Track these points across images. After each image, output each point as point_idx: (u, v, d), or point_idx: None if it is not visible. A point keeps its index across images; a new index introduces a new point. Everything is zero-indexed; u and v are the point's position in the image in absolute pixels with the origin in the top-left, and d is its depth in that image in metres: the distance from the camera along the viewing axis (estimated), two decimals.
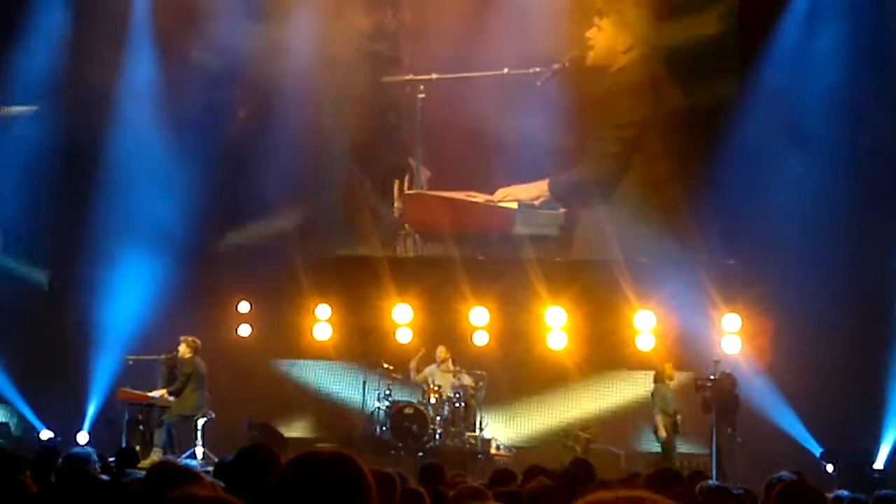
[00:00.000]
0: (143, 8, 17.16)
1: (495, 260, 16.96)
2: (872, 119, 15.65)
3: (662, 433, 14.33)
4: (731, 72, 16.26)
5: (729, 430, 14.31)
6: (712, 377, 14.53)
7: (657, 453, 14.53)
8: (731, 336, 15.68)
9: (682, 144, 16.12)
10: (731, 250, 16.09)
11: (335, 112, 17.22)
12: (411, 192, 17.22)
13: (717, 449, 14.05)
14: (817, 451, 14.81)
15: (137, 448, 13.20)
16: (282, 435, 15.85)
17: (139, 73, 17.17)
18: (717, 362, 14.84)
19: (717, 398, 14.33)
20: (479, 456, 15.25)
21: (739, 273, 15.94)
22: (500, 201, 16.86)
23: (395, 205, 17.19)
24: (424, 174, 17.19)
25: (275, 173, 16.72)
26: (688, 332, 15.65)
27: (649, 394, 14.87)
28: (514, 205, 16.79)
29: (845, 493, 8.38)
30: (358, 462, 2.95)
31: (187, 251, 16.58)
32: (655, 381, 14.73)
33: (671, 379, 14.71)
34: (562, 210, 16.77)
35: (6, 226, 17.55)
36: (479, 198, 16.96)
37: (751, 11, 16.23)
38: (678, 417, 14.48)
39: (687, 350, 15.67)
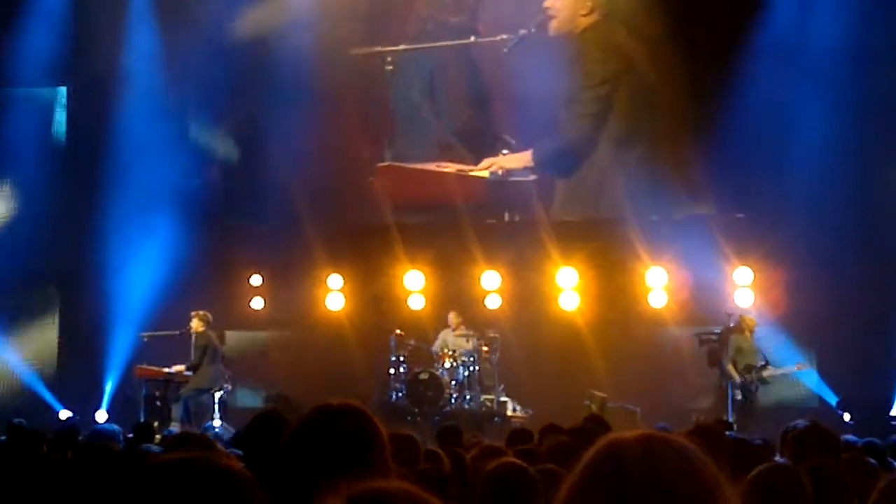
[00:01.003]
0: None
1: (505, 223, 16.96)
2: (882, 69, 15.57)
3: (735, 377, 14.24)
4: (733, 25, 16.15)
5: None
6: (716, 331, 14.54)
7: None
8: (744, 289, 15.66)
9: (687, 99, 16.06)
10: (740, 204, 16.05)
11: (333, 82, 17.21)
12: (383, 164, 17.28)
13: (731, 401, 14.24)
14: (833, 400, 14.85)
15: (156, 424, 13.30)
16: (299, 405, 15.91)
17: (143, 49, 17.14)
18: (729, 315, 14.84)
19: (722, 351, 14.55)
20: (496, 418, 15.30)
21: (750, 227, 15.90)
22: (485, 169, 16.91)
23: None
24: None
25: (285, 147, 16.78)
26: (700, 287, 15.67)
27: (719, 340, 14.88)
28: (486, 174, 16.83)
29: (853, 437, 8.38)
30: (369, 414, 2.96)
31: (198, 226, 16.59)
32: (733, 331, 14.59)
33: (752, 332, 14.51)
34: (532, 177, 16.77)
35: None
36: (451, 168, 17.01)
37: None
38: (761, 371, 14.30)
39: (700, 305, 15.70)
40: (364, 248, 17.08)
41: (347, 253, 17.04)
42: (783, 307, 15.29)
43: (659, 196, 16.06)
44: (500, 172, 16.84)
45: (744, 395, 14.21)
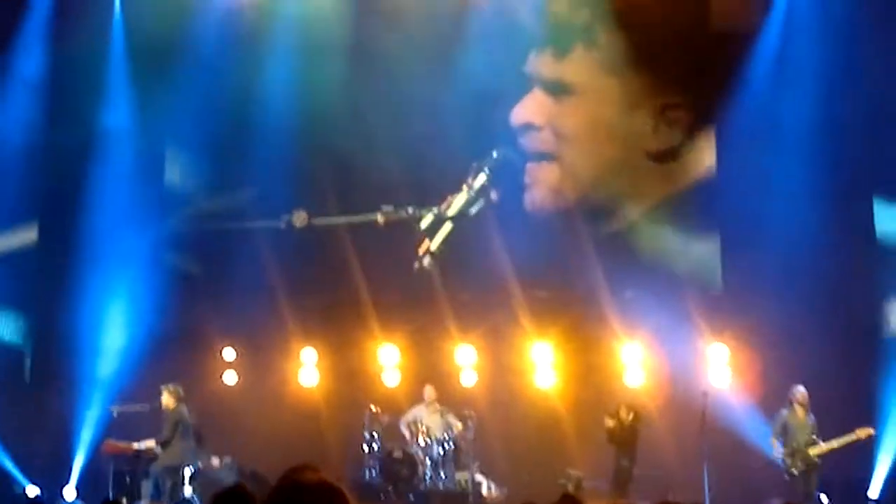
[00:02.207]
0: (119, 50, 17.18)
1: (481, 297, 16.90)
2: (856, 145, 15.74)
3: (775, 454, 13.91)
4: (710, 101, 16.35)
5: (625, 461, 14.59)
6: (619, 411, 14.72)
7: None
8: (720, 367, 15.62)
9: (661, 173, 16.21)
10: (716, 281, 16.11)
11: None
12: None
13: (614, 477, 14.46)
14: None
15: (124, 501, 13.03)
16: (271, 483, 15.65)
17: (115, 117, 17.14)
18: (705, 394, 14.76)
19: (619, 431, 14.65)
20: (470, 497, 15.10)
21: (726, 303, 15.93)
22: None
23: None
24: None
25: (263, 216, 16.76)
26: (675, 365, 15.61)
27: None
28: None
29: None
30: (342, 491, 2.85)
31: (171, 296, 16.45)
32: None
33: (802, 406, 13.89)
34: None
35: None
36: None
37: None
38: (808, 449, 13.83)
39: (675, 382, 15.63)
40: (338, 322, 16.96)
41: (321, 326, 16.93)
42: (759, 387, 15.24)
43: (634, 271, 16.08)
44: None
45: (789, 475, 13.85)
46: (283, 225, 17.23)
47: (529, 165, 16.94)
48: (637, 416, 14.84)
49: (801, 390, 13.97)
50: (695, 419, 14.22)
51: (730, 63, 16.05)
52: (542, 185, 16.97)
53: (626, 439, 14.78)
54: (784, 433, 13.91)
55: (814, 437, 13.86)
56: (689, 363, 15.56)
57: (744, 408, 15.10)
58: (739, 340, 15.60)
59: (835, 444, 13.75)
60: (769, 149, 15.96)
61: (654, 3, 16.58)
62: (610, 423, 14.85)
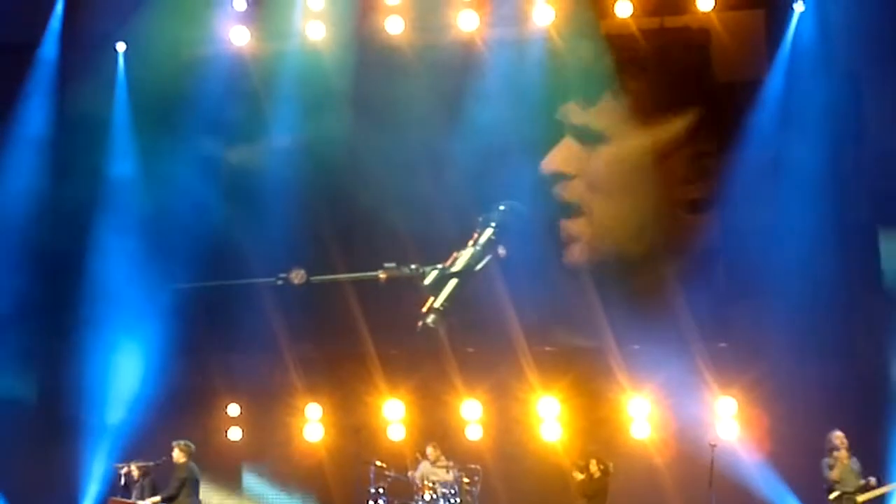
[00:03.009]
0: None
1: (486, 351, 16.80)
2: (859, 194, 15.68)
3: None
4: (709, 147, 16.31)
5: None
6: (588, 465, 14.68)
7: None
8: (728, 420, 15.50)
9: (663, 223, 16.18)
10: (722, 334, 15.97)
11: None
12: None
13: None
14: None
15: None
16: None
17: (121, 169, 17.21)
18: (713, 446, 14.62)
19: (588, 483, 14.61)
20: None
21: (732, 355, 15.80)
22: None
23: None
24: None
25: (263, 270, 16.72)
26: (683, 418, 15.50)
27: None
28: None
29: None
30: None
31: (174, 353, 16.42)
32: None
33: (842, 450, 13.62)
34: None
35: None
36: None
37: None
38: (857, 496, 13.51)
39: (683, 435, 15.50)
40: (343, 377, 16.90)
41: (326, 381, 16.87)
42: (767, 444, 15.12)
43: (639, 324, 15.97)
44: None
45: None
46: (278, 282, 17.16)
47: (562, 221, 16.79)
48: (606, 470, 14.76)
49: (837, 434, 13.74)
50: (703, 472, 14.13)
51: (737, 111, 16.02)
52: (573, 238, 16.83)
53: (597, 493, 14.70)
54: (833, 480, 13.58)
55: (861, 481, 13.59)
56: (697, 416, 15.43)
57: (752, 461, 14.97)
58: (747, 393, 15.47)
59: (881, 490, 13.55)
60: (773, 196, 15.88)
61: (665, 51, 16.57)
62: (579, 476, 14.78)
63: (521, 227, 16.77)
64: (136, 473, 15.29)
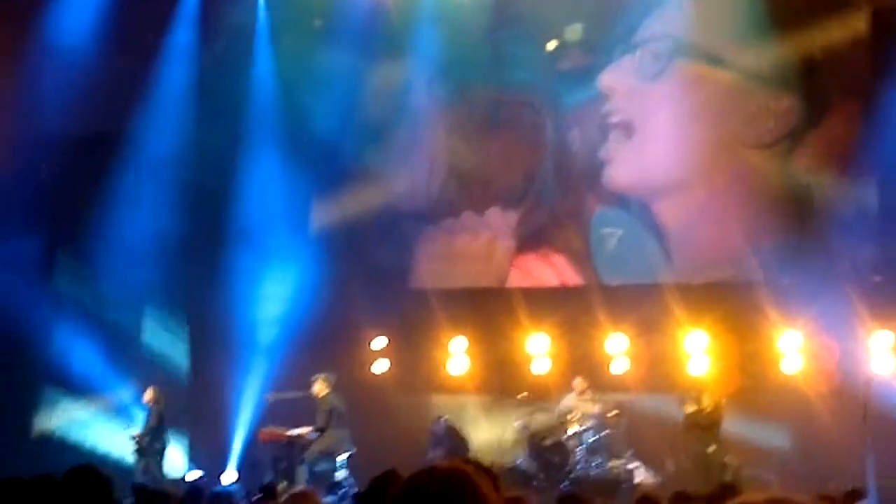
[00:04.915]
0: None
1: (631, 286, 16.63)
2: None
3: None
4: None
5: (703, 448, 14.30)
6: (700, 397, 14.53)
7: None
8: (885, 354, 15.05)
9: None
10: (877, 267, 15.50)
11: None
12: None
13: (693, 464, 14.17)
14: None
15: (282, 485, 13.27)
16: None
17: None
18: (867, 383, 14.21)
19: (698, 416, 14.46)
20: (624, 485, 14.89)
21: (889, 289, 15.32)
22: None
23: None
24: None
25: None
26: (837, 352, 15.12)
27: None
28: None
29: None
30: (472, 475, 2.96)
31: (321, 286, 16.64)
32: None
33: None
34: None
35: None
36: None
37: None
38: None
39: (837, 370, 15.14)
40: (487, 312, 16.91)
41: (469, 316, 16.90)
42: None
43: (789, 258, 15.60)
44: None
45: None
46: None
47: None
48: (718, 405, 14.52)
49: None
50: (857, 407, 13.73)
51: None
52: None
53: (711, 425, 14.45)
54: None
55: None
56: (851, 351, 15.02)
57: None
58: None
59: None
60: None
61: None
62: (691, 407, 14.56)
63: None
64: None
